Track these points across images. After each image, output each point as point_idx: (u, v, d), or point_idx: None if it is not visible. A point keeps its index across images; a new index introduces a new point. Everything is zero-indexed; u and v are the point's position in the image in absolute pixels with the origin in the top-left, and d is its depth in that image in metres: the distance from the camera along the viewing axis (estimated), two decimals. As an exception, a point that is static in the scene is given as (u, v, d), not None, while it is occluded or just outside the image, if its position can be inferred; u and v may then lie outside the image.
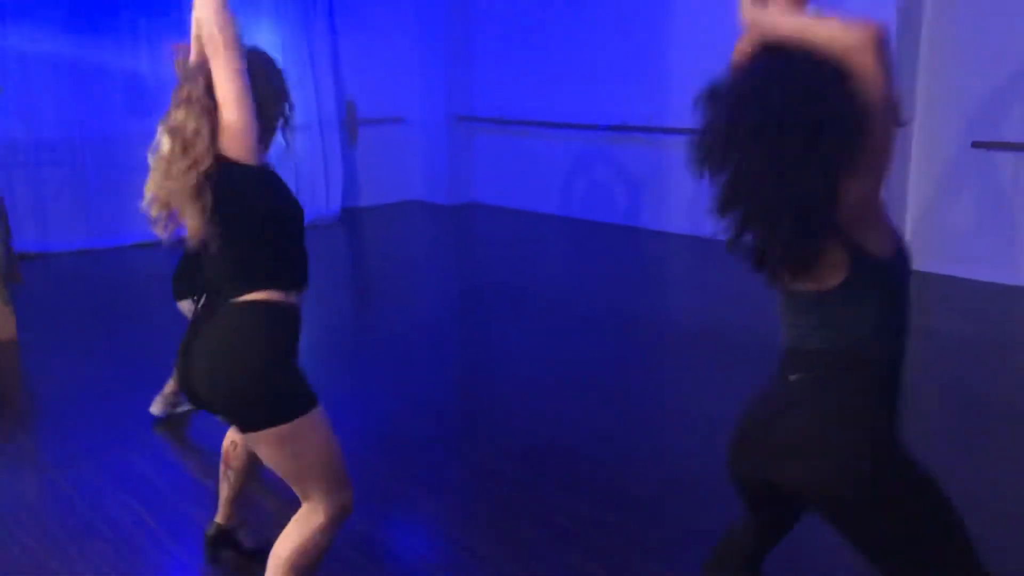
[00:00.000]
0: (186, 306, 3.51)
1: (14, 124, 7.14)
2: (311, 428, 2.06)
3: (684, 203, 7.02)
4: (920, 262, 6.26)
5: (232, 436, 2.71)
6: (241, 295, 2.09)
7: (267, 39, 8.35)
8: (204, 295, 2.23)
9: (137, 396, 4.18)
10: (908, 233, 6.33)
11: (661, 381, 4.55)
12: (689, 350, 4.84)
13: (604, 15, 7.84)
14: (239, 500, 2.80)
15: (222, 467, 2.76)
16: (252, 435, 2.07)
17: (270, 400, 2.04)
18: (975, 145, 5.76)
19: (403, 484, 3.34)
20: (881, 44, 1.50)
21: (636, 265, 6.92)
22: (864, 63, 1.49)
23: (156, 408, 3.94)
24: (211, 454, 3.67)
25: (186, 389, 2.21)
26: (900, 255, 1.69)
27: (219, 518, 2.82)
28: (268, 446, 2.08)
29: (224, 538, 2.82)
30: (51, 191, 7.43)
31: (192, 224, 2.04)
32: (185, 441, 3.86)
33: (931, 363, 4.66)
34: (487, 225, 8.66)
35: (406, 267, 7.10)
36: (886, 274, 1.66)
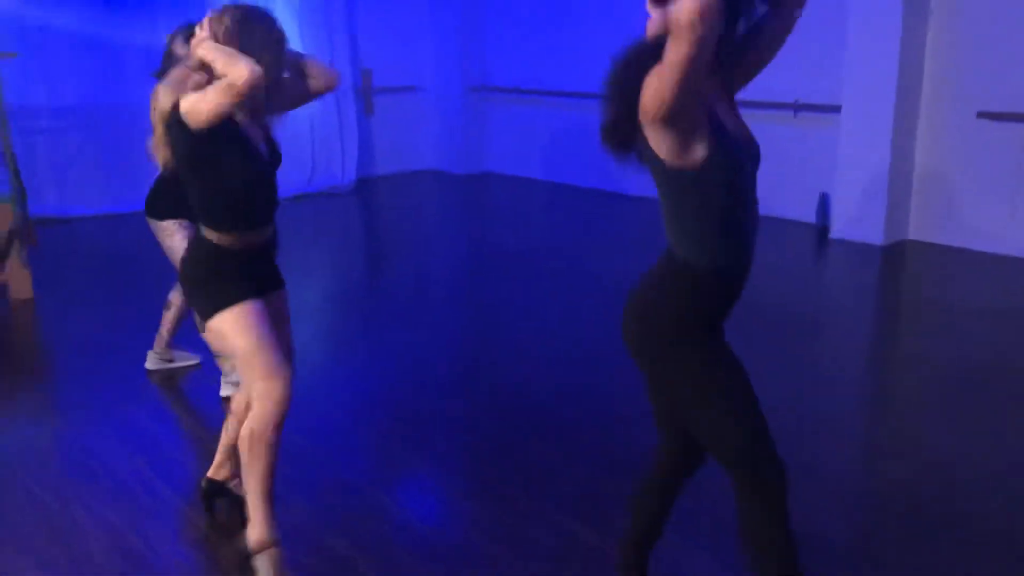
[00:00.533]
0: (168, 225, 3.76)
1: (36, 91, 7.29)
2: (231, 322, 2.49)
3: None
4: (926, 233, 6.27)
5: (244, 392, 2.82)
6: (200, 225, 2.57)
7: (284, 8, 8.44)
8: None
9: (141, 353, 4.33)
10: (914, 204, 6.32)
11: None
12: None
13: (618, -16, 7.82)
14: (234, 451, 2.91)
15: (228, 418, 2.87)
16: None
17: (197, 299, 2.58)
18: (980, 115, 5.73)
19: (412, 448, 3.41)
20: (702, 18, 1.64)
21: (647, 234, 6.95)
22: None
23: (150, 363, 4.12)
24: (208, 410, 3.83)
25: None
26: (717, 168, 1.85)
27: (211, 471, 2.93)
28: (209, 336, 2.63)
29: (217, 490, 2.93)
30: (70, 157, 7.59)
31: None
32: (185, 397, 3.99)
33: (937, 333, 4.70)
34: (500, 194, 8.72)
35: (419, 235, 7.19)
36: (699, 185, 1.88)
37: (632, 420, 3.52)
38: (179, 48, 3.63)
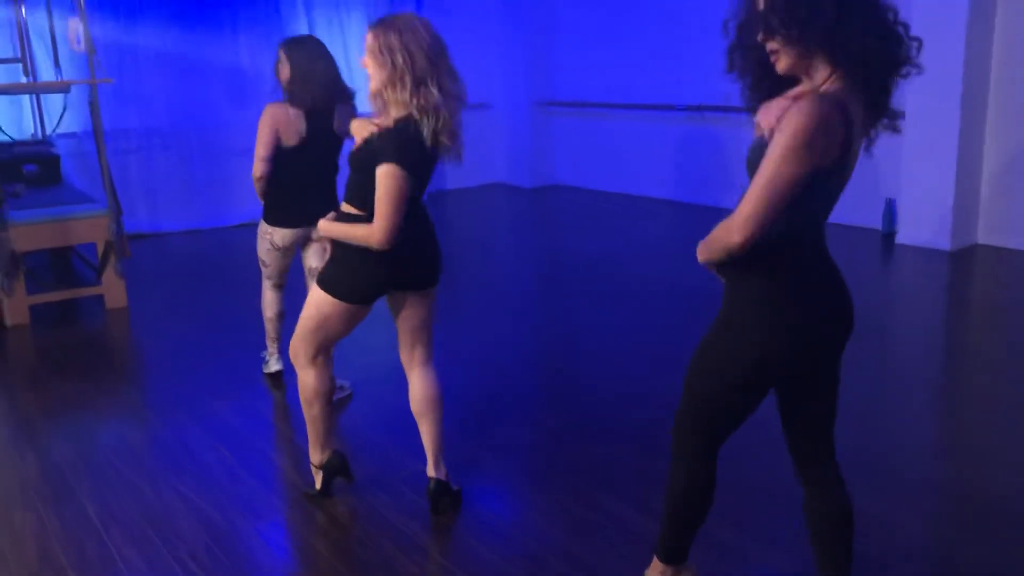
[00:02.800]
0: None
1: (129, 113, 7.77)
2: (329, 306, 2.82)
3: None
4: (995, 237, 6.21)
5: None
6: None
7: (359, 29, 8.79)
8: None
9: (228, 356, 4.65)
10: (982, 208, 6.26)
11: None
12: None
13: (681, -3, 7.94)
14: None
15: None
16: None
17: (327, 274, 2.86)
18: (1049, 117, 5.67)
19: (477, 444, 3.57)
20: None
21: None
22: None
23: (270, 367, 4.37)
24: (291, 408, 4.07)
25: None
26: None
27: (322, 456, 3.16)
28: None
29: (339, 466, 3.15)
30: (161, 175, 8.04)
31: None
32: (268, 396, 4.25)
33: (1006, 337, 4.69)
34: (568, 205, 8.88)
35: (489, 246, 7.40)
36: None
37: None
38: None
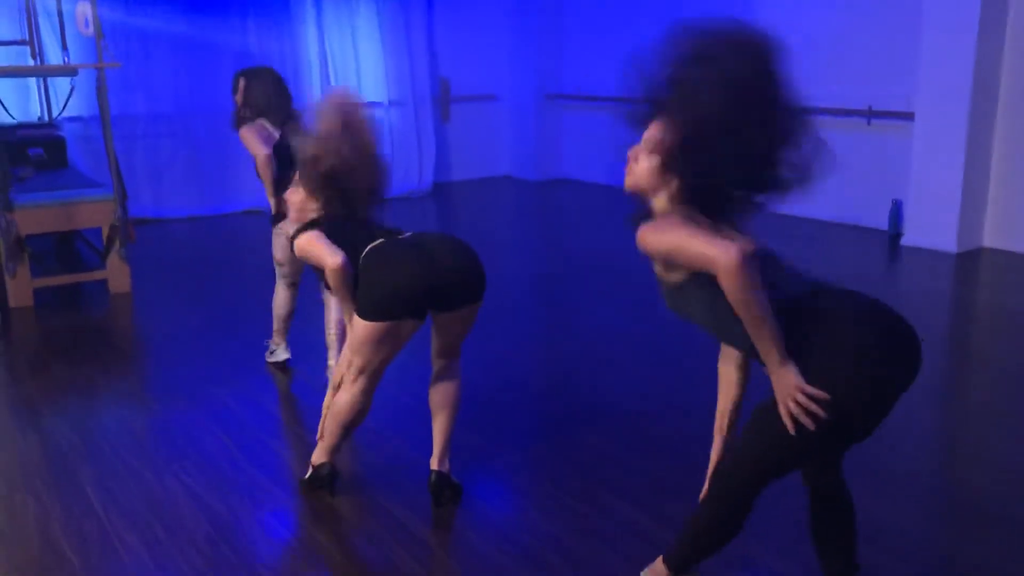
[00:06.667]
0: None
1: (136, 98, 7.75)
2: (362, 327, 2.80)
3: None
4: (1002, 240, 6.19)
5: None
6: None
7: (366, 20, 8.77)
8: None
9: (231, 344, 4.65)
10: (989, 211, 6.25)
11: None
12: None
13: (692, -7, 7.91)
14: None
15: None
16: None
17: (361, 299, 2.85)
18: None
19: (483, 440, 3.57)
20: (745, 268, 1.78)
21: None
22: (728, 285, 1.83)
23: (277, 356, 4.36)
24: (295, 397, 4.07)
25: None
26: None
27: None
28: None
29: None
30: (166, 161, 8.04)
31: None
32: (271, 383, 4.25)
33: (1011, 340, 4.68)
34: (573, 199, 8.87)
35: (494, 238, 7.38)
36: None
37: (695, 415, 3.63)
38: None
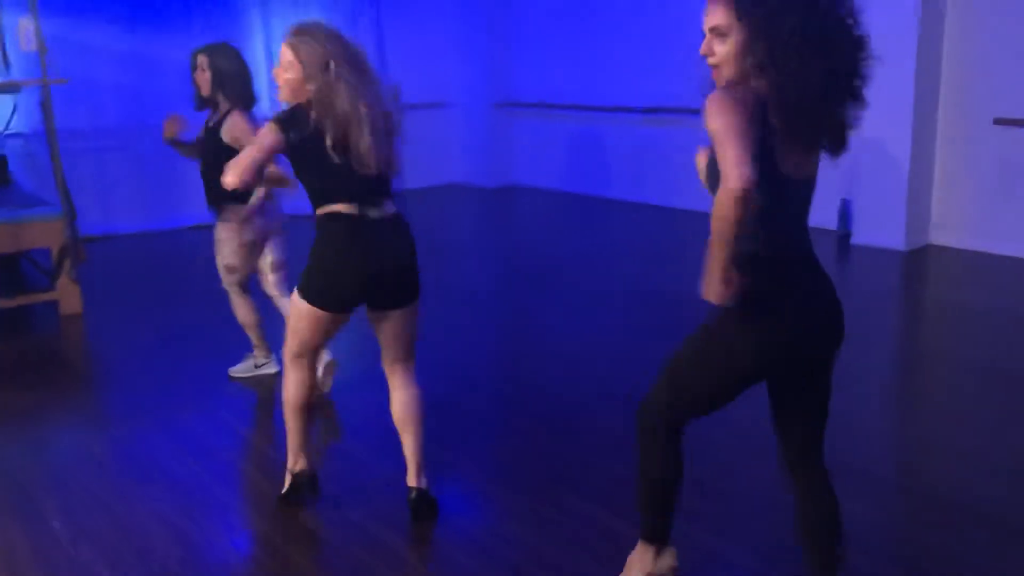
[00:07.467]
0: None
1: (79, 112, 7.56)
2: (303, 307, 2.82)
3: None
4: (947, 237, 6.37)
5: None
6: None
7: (314, 29, 8.68)
8: None
9: (190, 362, 4.56)
10: (934, 209, 6.42)
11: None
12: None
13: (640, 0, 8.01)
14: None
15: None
16: None
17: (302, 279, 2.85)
18: (997, 122, 5.83)
19: (448, 446, 3.56)
20: (736, 201, 1.80)
21: (669, 244, 7.10)
22: (717, 201, 1.85)
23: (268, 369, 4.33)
24: (257, 416, 4.02)
25: None
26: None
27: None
28: None
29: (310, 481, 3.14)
30: (112, 176, 7.87)
31: None
32: (235, 401, 4.18)
33: (960, 335, 4.82)
34: (526, 206, 8.90)
35: (448, 246, 7.37)
36: None
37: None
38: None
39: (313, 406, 3.09)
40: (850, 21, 1.94)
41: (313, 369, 3.01)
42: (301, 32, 2.76)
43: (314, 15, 8.60)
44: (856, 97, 1.98)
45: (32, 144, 7.05)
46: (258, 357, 4.33)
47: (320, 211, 2.79)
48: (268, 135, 2.67)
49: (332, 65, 2.68)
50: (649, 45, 7.91)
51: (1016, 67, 5.78)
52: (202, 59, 4.02)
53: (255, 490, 3.34)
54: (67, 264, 5.43)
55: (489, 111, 9.50)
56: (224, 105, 3.99)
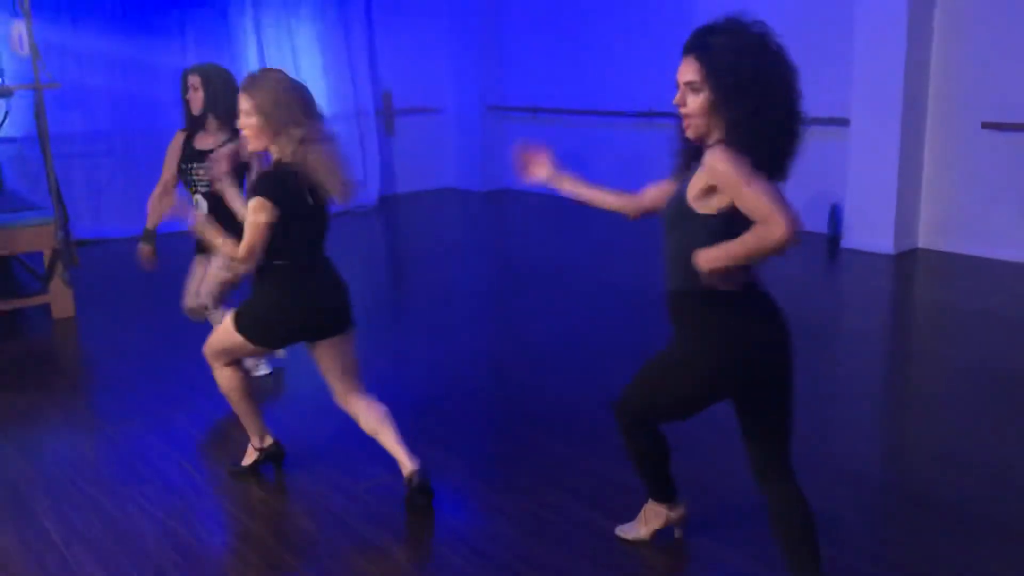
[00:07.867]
0: None
1: (72, 117, 7.57)
2: (240, 341, 3.02)
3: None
4: (936, 241, 6.41)
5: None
6: None
7: (306, 33, 8.72)
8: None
9: (182, 364, 4.57)
10: (923, 213, 6.47)
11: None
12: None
13: (631, 4, 8.05)
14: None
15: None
16: None
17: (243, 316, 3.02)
18: (985, 126, 5.89)
19: (438, 448, 3.57)
20: (792, 240, 2.00)
21: (660, 247, 7.13)
22: (770, 242, 2.03)
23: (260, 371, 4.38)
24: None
25: None
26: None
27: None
28: None
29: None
30: (105, 180, 7.88)
31: None
32: (225, 405, 4.18)
33: (948, 338, 4.85)
34: (518, 210, 8.93)
35: (441, 250, 7.40)
36: None
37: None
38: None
39: (251, 388, 3.26)
40: (799, 109, 2.23)
41: (241, 362, 3.20)
42: (253, 82, 2.91)
43: (305, 21, 8.65)
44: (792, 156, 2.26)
45: (25, 148, 7.06)
46: (248, 361, 4.34)
47: (275, 260, 2.91)
48: (262, 214, 2.82)
49: (290, 115, 2.85)
50: (640, 49, 7.95)
51: (1004, 72, 5.83)
52: (194, 79, 4.07)
53: (247, 491, 3.35)
54: (59, 268, 5.44)
55: (481, 115, 9.53)
56: (213, 124, 4.04)
